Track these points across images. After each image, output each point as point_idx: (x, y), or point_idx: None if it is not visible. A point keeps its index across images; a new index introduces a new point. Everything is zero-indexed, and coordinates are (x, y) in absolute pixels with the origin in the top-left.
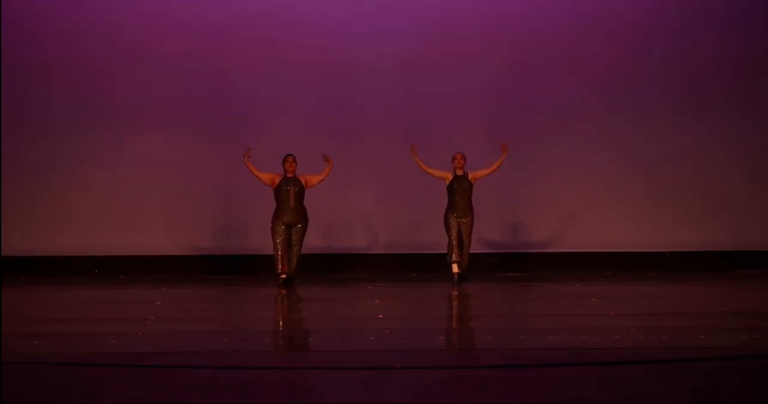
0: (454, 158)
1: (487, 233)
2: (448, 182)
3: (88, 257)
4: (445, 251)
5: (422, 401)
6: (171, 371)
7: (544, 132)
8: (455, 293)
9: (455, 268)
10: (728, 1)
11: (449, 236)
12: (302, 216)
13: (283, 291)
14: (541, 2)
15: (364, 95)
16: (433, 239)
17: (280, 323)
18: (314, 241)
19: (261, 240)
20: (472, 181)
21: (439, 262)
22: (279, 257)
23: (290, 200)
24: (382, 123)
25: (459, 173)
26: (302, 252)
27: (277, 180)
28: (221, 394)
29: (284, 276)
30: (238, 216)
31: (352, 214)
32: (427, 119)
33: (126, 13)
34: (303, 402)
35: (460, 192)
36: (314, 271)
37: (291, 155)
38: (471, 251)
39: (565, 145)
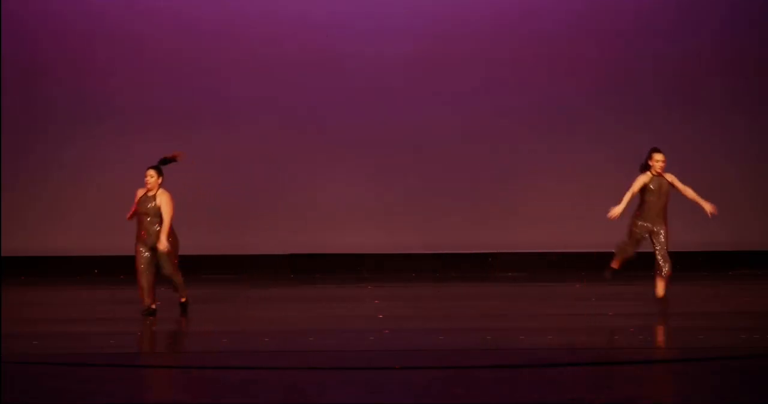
0: (655, 160)
1: (486, 233)
2: (643, 184)
3: (88, 257)
4: (442, 251)
5: (422, 401)
6: (171, 371)
7: (543, 132)
8: (456, 293)
9: (613, 265)
10: (727, 1)
11: (628, 242)
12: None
13: (150, 318)
14: (541, 3)
15: (365, 95)
16: (434, 239)
17: (280, 323)
18: (314, 241)
19: (260, 240)
20: (672, 185)
21: (439, 262)
22: (141, 287)
23: (148, 221)
24: (382, 123)
25: (655, 173)
26: (296, 253)
27: (138, 198)
28: (221, 394)
29: (152, 307)
30: (237, 216)
31: (352, 214)
32: (427, 118)
33: (126, 14)
34: (303, 402)
35: (657, 195)
36: (314, 271)
37: (152, 167)
38: (475, 252)
39: (564, 145)
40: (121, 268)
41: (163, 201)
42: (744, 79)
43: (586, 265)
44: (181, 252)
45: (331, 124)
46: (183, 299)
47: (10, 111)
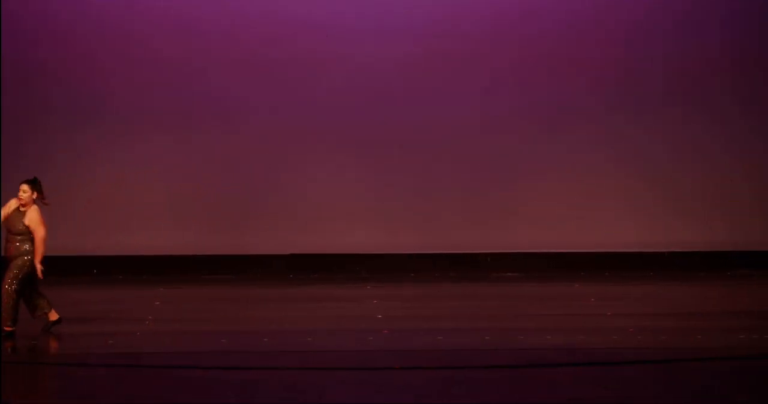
0: None
1: (485, 234)
2: None
3: (88, 257)
4: (441, 251)
5: (422, 401)
6: (171, 371)
7: (544, 131)
8: (454, 293)
9: None
10: (728, 1)
11: None
12: (21, 252)
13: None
14: (541, 3)
15: (364, 95)
16: (433, 239)
17: (280, 323)
18: (314, 241)
19: (260, 240)
20: None
21: (438, 262)
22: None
23: (19, 239)
24: (381, 123)
25: None
26: (296, 253)
27: (10, 210)
28: (221, 394)
29: (9, 329)
30: (237, 216)
31: (352, 214)
32: (426, 119)
33: (125, 14)
34: (303, 402)
35: None
36: (314, 271)
37: (26, 182)
38: (474, 252)
39: (565, 144)
40: (119, 268)
41: (33, 220)
42: (746, 79)
43: (586, 265)
44: (181, 253)
45: (330, 124)
46: (8, 329)
47: (9, 111)
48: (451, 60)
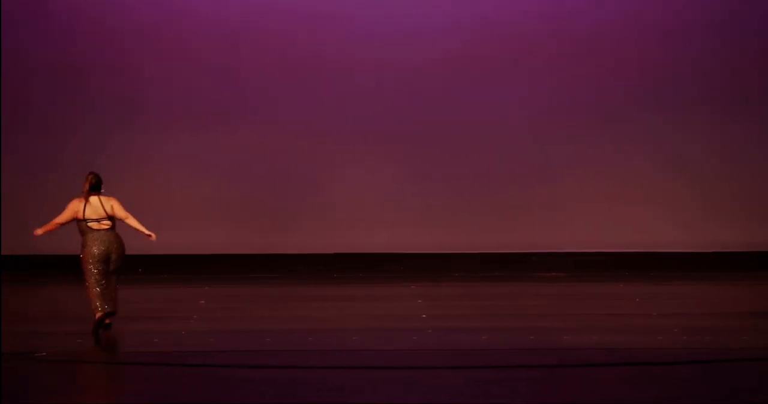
0: None
1: (531, 233)
2: None
3: (134, 257)
4: (499, 252)
5: (457, 401)
6: (215, 370)
7: (581, 131)
8: (501, 292)
9: None
10: None
11: None
12: (119, 244)
13: (98, 335)
14: (580, 3)
15: (397, 95)
16: (477, 239)
17: (323, 322)
18: (358, 240)
19: (305, 239)
20: None
21: (482, 262)
22: (97, 295)
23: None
24: (424, 121)
25: None
26: (341, 253)
27: (81, 206)
28: (260, 393)
29: (101, 315)
30: (282, 216)
31: (396, 213)
32: (466, 118)
33: (154, 14)
34: (344, 402)
35: None
36: (357, 270)
37: (93, 173)
38: (513, 251)
39: (602, 144)
40: (164, 267)
41: (116, 206)
42: None
43: (630, 265)
44: (229, 251)
45: (372, 122)
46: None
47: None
48: (488, 59)
